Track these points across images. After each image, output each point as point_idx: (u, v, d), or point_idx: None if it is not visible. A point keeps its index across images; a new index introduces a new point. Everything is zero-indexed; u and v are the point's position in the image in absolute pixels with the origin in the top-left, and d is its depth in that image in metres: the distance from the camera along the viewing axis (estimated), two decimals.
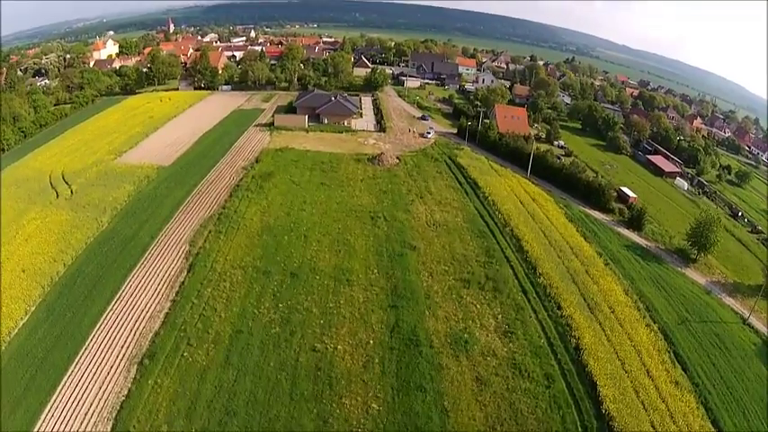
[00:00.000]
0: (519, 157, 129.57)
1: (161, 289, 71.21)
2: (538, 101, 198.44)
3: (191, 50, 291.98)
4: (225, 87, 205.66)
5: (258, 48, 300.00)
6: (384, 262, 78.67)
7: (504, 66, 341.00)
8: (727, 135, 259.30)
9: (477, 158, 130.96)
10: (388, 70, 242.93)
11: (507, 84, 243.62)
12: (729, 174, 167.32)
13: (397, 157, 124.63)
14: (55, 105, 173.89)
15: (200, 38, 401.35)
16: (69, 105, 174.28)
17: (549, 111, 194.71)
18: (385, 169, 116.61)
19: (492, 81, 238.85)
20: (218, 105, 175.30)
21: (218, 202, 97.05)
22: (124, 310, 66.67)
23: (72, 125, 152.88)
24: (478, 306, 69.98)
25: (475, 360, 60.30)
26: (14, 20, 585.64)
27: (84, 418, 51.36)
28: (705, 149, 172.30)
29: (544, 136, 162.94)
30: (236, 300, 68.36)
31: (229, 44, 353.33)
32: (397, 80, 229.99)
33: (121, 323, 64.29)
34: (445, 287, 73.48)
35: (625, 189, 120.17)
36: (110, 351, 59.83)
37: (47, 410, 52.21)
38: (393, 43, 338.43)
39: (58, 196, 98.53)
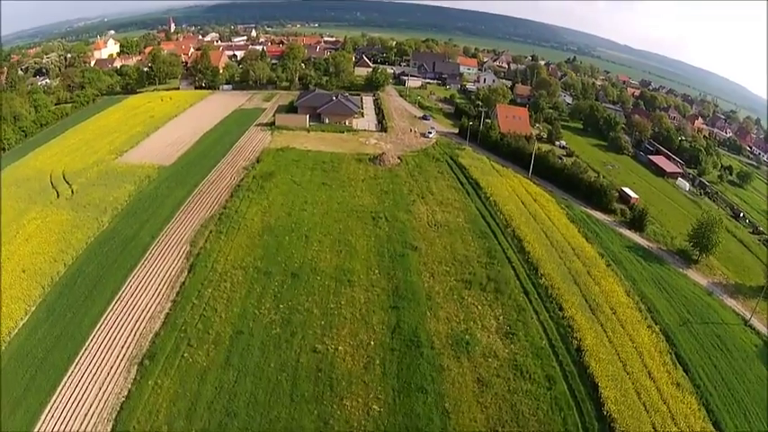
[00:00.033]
0: (520, 158, 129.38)
1: (161, 289, 71.04)
2: (539, 101, 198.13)
3: (191, 50, 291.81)
4: (226, 87, 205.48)
5: (259, 47, 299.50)
6: (385, 262, 78.48)
7: (505, 65, 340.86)
8: (728, 135, 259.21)
9: (478, 158, 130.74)
10: (390, 70, 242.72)
11: (509, 83, 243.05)
12: (731, 174, 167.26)
13: (399, 157, 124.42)
14: (56, 105, 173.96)
15: (201, 37, 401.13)
16: (70, 105, 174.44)
17: (551, 111, 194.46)
18: (386, 169, 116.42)
19: (493, 81, 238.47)
20: (219, 105, 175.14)
21: (219, 202, 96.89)
22: (124, 310, 66.52)
23: (73, 124, 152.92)
24: (480, 307, 69.77)
25: (476, 361, 60.10)
26: (15, 19, 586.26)
27: (83, 419, 51.20)
28: (707, 150, 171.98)
29: (546, 136, 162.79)
30: (237, 300, 68.18)
31: (230, 43, 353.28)
32: (398, 80, 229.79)
33: (122, 323, 64.14)
34: (446, 288, 73.28)
35: (627, 190, 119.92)
36: (110, 351, 59.67)
37: (47, 411, 52.04)
38: (394, 43, 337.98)
39: (58, 196, 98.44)
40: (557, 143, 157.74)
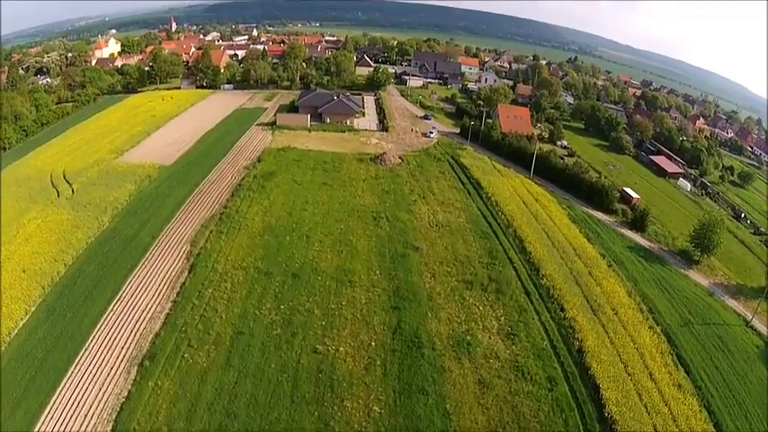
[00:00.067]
0: (522, 158, 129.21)
1: (162, 289, 70.84)
2: (541, 101, 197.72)
3: (193, 49, 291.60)
4: (227, 86, 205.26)
5: (260, 46, 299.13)
6: (386, 263, 78.30)
7: (506, 65, 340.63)
8: (729, 136, 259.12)
9: (479, 158, 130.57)
10: (391, 69, 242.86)
11: (510, 83, 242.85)
12: (732, 175, 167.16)
13: (400, 157, 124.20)
14: (56, 104, 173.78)
15: (202, 36, 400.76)
16: (71, 104, 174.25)
17: (552, 111, 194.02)
18: (387, 169, 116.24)
19: (495, 80, 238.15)
20: (220, 104, 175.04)
21: (220, 202, 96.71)
22: (125, 310, 66.31)
23: (73, 124, 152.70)
24: (481, 308, 69.58)
25: (477, 362, 59.91)
26: (16, 18, 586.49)
27: (83, 420, 51.00)
28: (708, 150, 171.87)
29: (547, 136, 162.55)
30: (238, 301, 67.98)
31: (231, 43, 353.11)
32: (399, 79, 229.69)
33: (122, 324, 63.93)
34: (448, 288, 73.08)
35: (628, 190, 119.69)
36: (110, 352, 59.46)
37: (46, 412, 51.82)
38: (396, 42, 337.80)
39: (58, 195, 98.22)
40: (558, 143, 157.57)
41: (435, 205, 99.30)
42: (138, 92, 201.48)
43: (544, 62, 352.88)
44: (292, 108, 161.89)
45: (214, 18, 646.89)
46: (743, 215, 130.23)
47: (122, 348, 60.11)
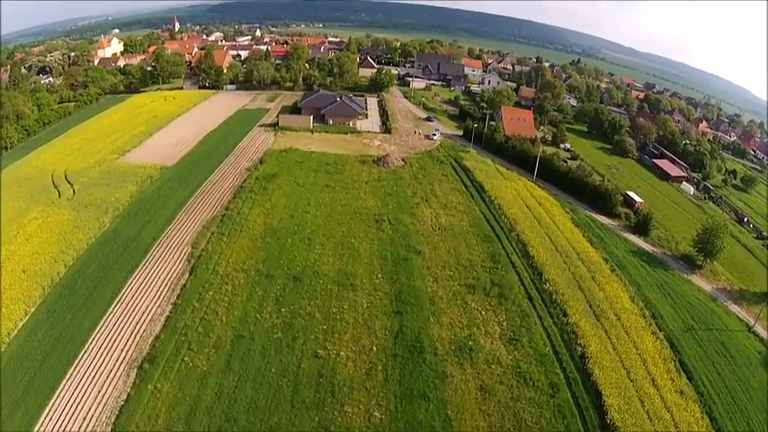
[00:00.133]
0: (525, 160, 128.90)
1: (162, 291, 70.53)
2: (544, 103, 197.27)
3: (195, 49, 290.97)
4: (229, 87, 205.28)
5: (263, 47, 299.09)
6: (388, 266, 77.92)
7: (509, 67, 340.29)
8: (732, 139, 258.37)
9: (482, 161, 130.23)
10: (394, 71, 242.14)
11: (513, 85, 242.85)
12: (735, 178, 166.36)
13: (403, 159, 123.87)
14: (58, 103, 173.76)
15: (205, 37, 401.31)
16: (73, 104, 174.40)
17: (556, 113, 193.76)
18: (390, 171, 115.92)
19: (498, 83, 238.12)
20: (222, 105, 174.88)
21: (222, 204, 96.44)
22: (125, 312, 66.00)
23: (75, 124, 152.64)
24: (483, 312, 69.15)
25: (479, 368, 59.48)
26: (19, 17, 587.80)
27: (82, 422, 50.69)
28: (711, 153, 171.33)
29: (550, 139, 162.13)
30: (238, 304, 67.64)
31: (234, 43, 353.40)
32: (402, 81, 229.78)
33: (122, 326, 63.62)
34: (450, 293, 72.68)
35: (631, 194, 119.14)
36: (109, 354, 59.15)
37: (45, 414, 51.52)
38: (399, 44, 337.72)
39: (60, 195, 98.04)
40: (561, 146, 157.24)
41: (438, 208, 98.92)
42: (140, 92, 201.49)
43: (547, 64, 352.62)
44: (295, 109, 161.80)
45: (217, 18, 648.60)
46: (746, 219, 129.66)
47: (122, 351, 59.80)
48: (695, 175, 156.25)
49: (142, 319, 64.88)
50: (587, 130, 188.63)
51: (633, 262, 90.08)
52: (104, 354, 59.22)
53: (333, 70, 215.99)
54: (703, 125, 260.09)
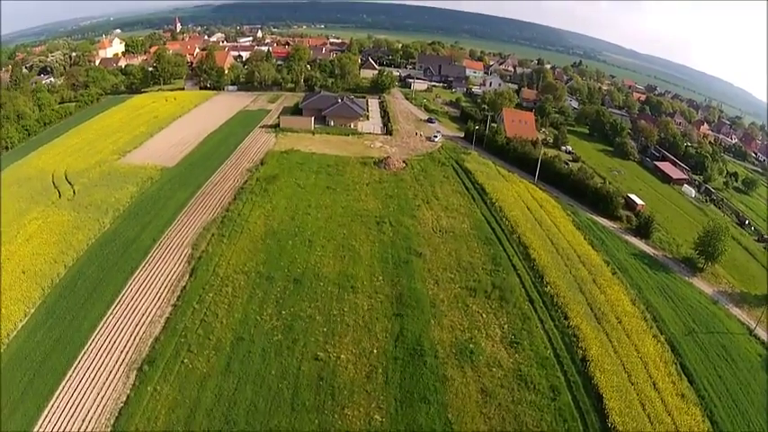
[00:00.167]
0: (526, 163, 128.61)
1: (162, 293, 70.32)
2: (545, 105, 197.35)
3: (197, 50, 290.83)
4: (231, 88, 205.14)
5: (265, 48, 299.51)
6: (389, 269, 77.66)
7: (511, 69, 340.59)
8: (733, 141, 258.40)
9: (484, 163, 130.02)
10: (396, 72, 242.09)
11: (515, 87, 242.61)
12: (736, 181, 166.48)
13: (404, 161, 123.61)
14: (59, 103, 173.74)
15: (206, 37, 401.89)
16: (74, 104, 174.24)
17: (557, 115, 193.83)
18: (391, 173, 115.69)
19: (499, 84, 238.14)
20: (223, 106, 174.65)
21: (222, 205, 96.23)
22: (124, 314, 65.81)
23: (76, 124, 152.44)
24: (484, 315, 68.90)
25: (480, 371, 59.24)
26: (20, 17, 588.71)
27: (81, 424, 50.55)
28: (712, 156, 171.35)
29: (552, 141, 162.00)
30: (239, 306, 67.42)
31: (236, 44, 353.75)
32: (404, 82, 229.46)
33: (121, 327, 63.43)
34: (451, 295, 72.41)
35: (633, 196, 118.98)
36: (109, 356, 58.98)
37: (44, 416, 51.36)
38: (400, 45, 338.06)
39: (60, 196, 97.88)
40: (563, 148, 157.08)
41: (439, 210, 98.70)
42: (141, 92, 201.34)
43: (549, 66, 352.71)
44: (296, 110, 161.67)
45: (219, 19, 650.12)
46: (747, 222, 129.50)
47: (122, 352, 59.61)
48: (696, 177, 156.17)
49: (142, 321, 64.68)
50: (589, 132, 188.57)
51: (634, 265, 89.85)
52: (104, 355, 59.05)
53: (334, 71, 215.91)
54: (704, 127, 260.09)
